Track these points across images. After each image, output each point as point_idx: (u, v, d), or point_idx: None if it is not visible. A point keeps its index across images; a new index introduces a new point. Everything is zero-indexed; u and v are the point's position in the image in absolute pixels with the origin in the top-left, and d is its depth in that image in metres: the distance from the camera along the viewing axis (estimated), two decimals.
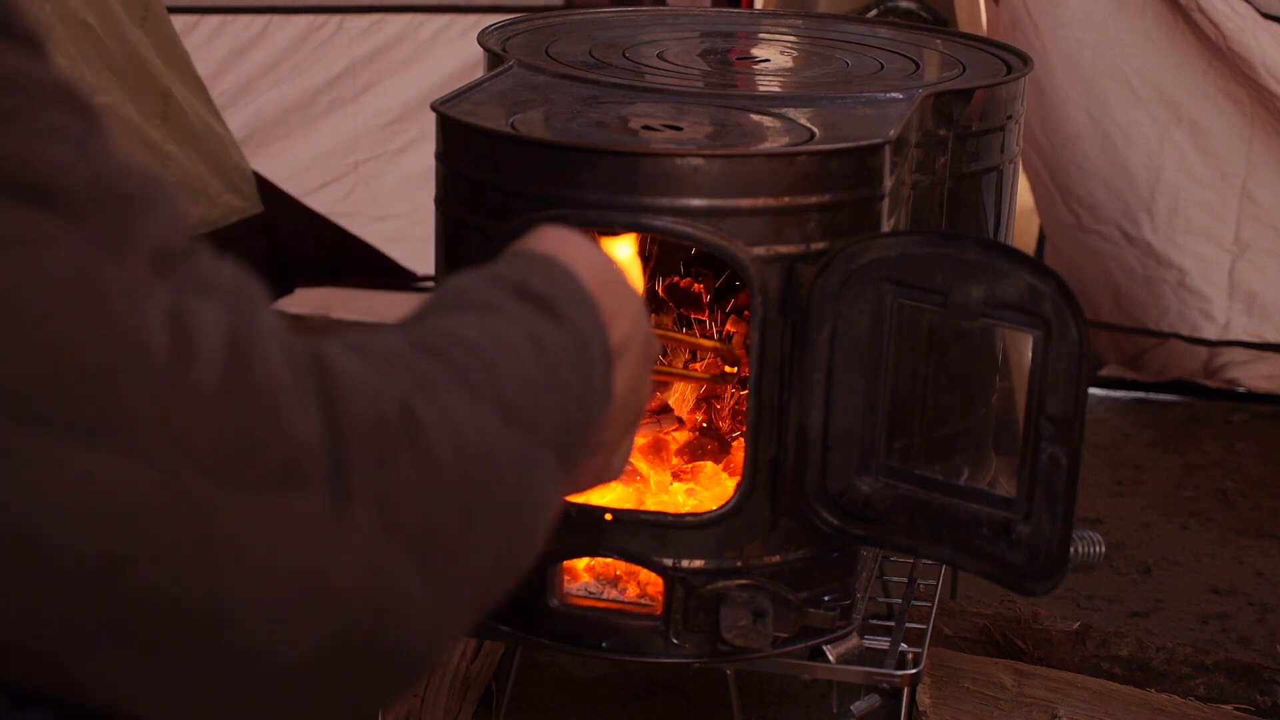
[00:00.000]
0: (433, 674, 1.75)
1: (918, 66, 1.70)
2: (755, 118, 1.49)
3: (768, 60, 1.77)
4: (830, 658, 1.48)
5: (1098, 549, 1.43)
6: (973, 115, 1.56)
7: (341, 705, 0.65)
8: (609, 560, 1.46)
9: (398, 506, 0.64)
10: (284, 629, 0.61)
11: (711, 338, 1.67)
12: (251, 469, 0.60)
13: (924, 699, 1.58)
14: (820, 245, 1.37)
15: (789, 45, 1.84)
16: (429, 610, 0.66)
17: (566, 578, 1.47)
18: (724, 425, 1.63)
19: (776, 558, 1.44)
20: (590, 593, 1.48)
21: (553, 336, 0.78)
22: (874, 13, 2.78)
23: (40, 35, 0.61)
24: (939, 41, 1.83)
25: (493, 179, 1.39)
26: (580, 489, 0.91)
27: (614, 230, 1.39)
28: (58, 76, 0.61)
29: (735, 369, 1.62)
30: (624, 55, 1.68)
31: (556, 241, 0.85)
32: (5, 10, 0.60)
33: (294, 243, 2.62)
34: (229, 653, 0.60)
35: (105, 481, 0.57)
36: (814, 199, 1.37)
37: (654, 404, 1.60)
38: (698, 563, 1.43)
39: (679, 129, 1.42)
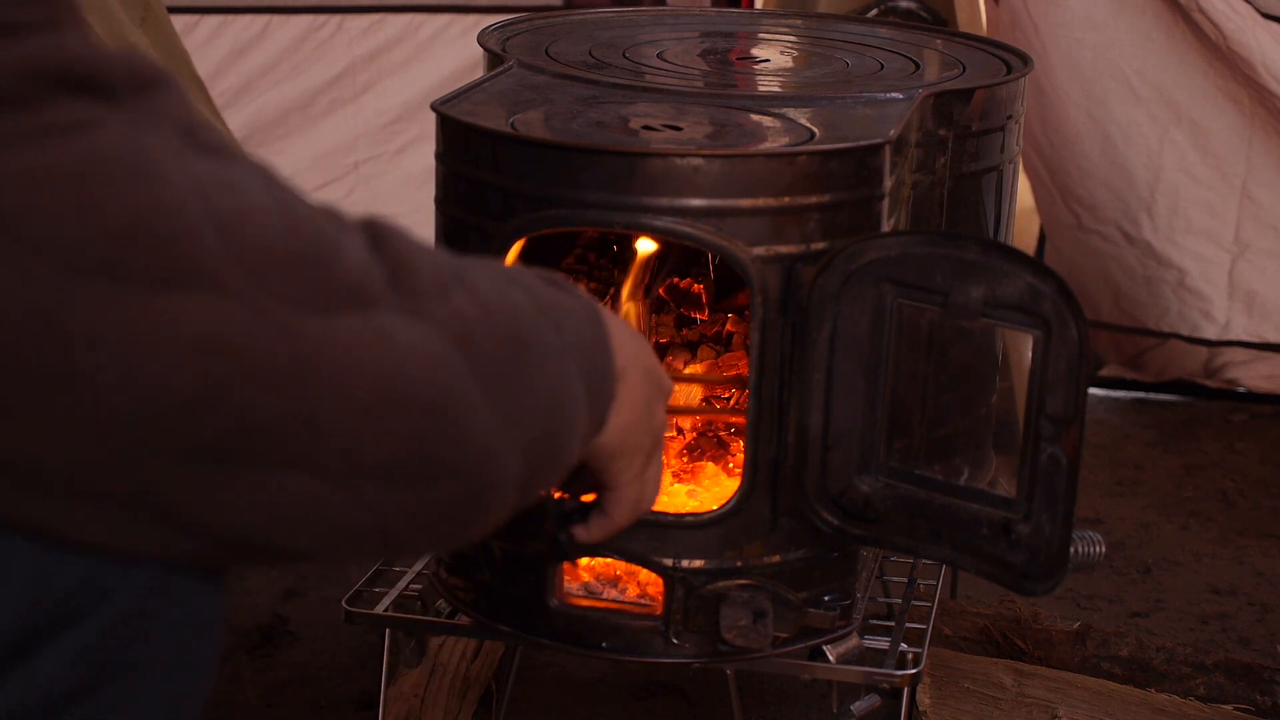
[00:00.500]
0: (433, 673, 1.75)
1: (918, 66, 1.70)
2: (755, 118, 1.49)
3: (768, 60, 1.77)
4: (830, 658, 1.48)
5: (1098, 549, 1.43)
6: (973, 115, 1.56)
7: (422, 516, 0.73)
8: (609, 560, 1.46)
9: (462, 328, 0.73)
10: (369, 427, 0.69)
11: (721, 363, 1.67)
12: (320, 294, 0.67)
13: (924, 699, 1.58)
14: (820, 245, 1.37)
15: (789, 45, 1.84)
16: (490, 429, 0.74)
17: (566, 578, 1.47)
18: (724, 426, 1.63)
19: (776, 558, 1.44)
20: (590, 593, 1.48)
21: (566, 304, 0.87)
22: (874, 13, 2.78)
23: None
24: (939, 41, 1.83)
25: (493, 179, 1.39)
26: (618, 522, 0.99)
27: (614, 230, 1.39)
28: None
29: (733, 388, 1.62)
30: (624, 55, 1.68)
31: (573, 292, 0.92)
32: None
33: None
34: (324, 451, 0.68)
35: (199, 319, 0.64)
36: (814, 199, 1.37)
37: None
38: (698, 563, 1.43)
39: (679, 129, 1.42)
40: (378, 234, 0.74)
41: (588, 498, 1.12)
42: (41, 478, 0.65)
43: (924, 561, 1.67)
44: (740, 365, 1.60)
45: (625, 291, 1.54)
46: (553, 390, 0.81)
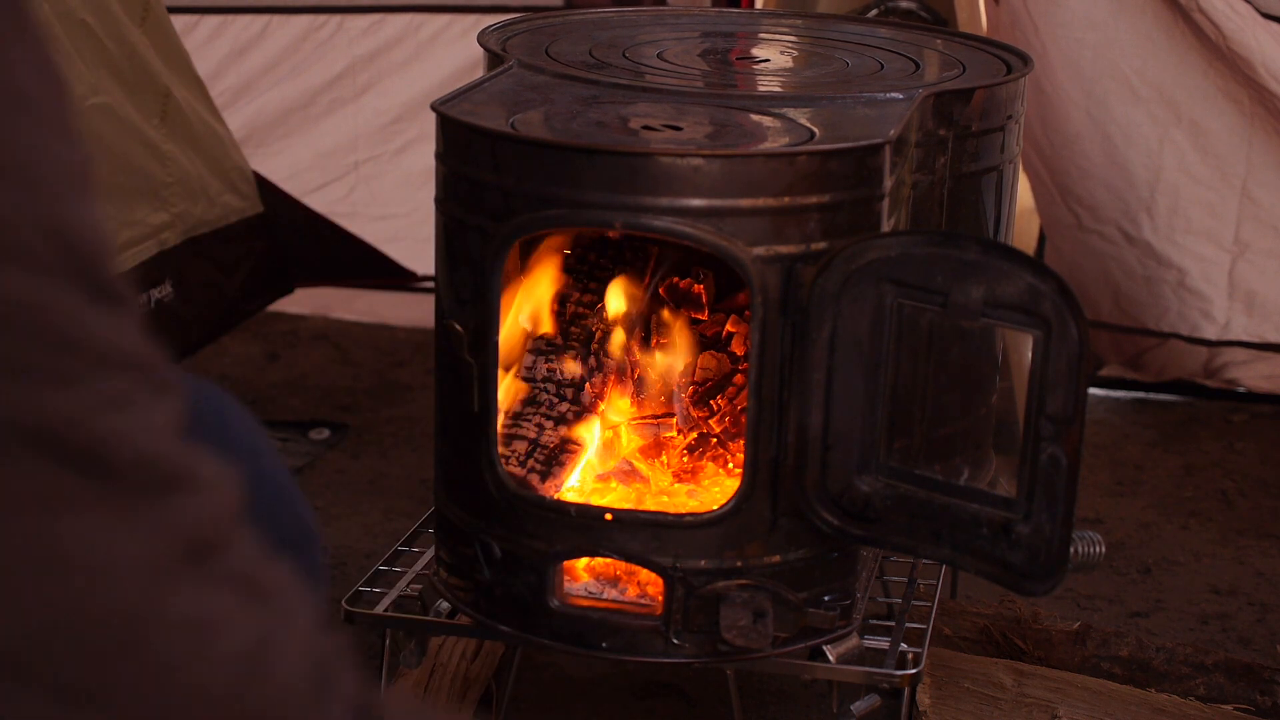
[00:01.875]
0: (433, 673, 1.75)
1: (918, 66, 1.70)
2: (755, 118, 1.49)
3: (768, 60, 1.77)
4: (830, 658, 1.48)
5: (1098, 549, 1.43)
6: (973, 115, 1.56)
7: None
8: (609, 560, 1.46)
9: None
10: None
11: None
12: None
13: (924, 699, 1.58)
14: (820, 245, 1.37)
15: (789, 45, 1.84)
16: None
17: (566, 578, 1.47)
18: (723, 425, 1.63)
19: (776, 558, 1.44)
20: (590, 593, 1.48)
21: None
22: (874, 13, 2.78)
23: (123, 291, 0.61)
24: (939, 41, 1.83)
25: (493, 179, 1.39)
26: None
27: (613, 230, 1.39)
28: (130, 340, 0.61)
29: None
30: (624, 55, 1.68)
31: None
32: (89, 260, 0.60)
33: (294, 243, 2.62)
34: None
35: None
36: (814, 199, 1.37)
37: (656, 409, 1.60)
38: (698, 563, 1.43)
39: (679, 129, 1.42)
40: (350, 710, 0.64)
41: None
42: None
43: (924, 561, 1.67)
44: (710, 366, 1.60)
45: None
46: None
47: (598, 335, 1.58)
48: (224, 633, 0.60)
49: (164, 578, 0.59)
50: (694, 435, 1.59)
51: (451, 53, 2.90)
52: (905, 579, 1.69)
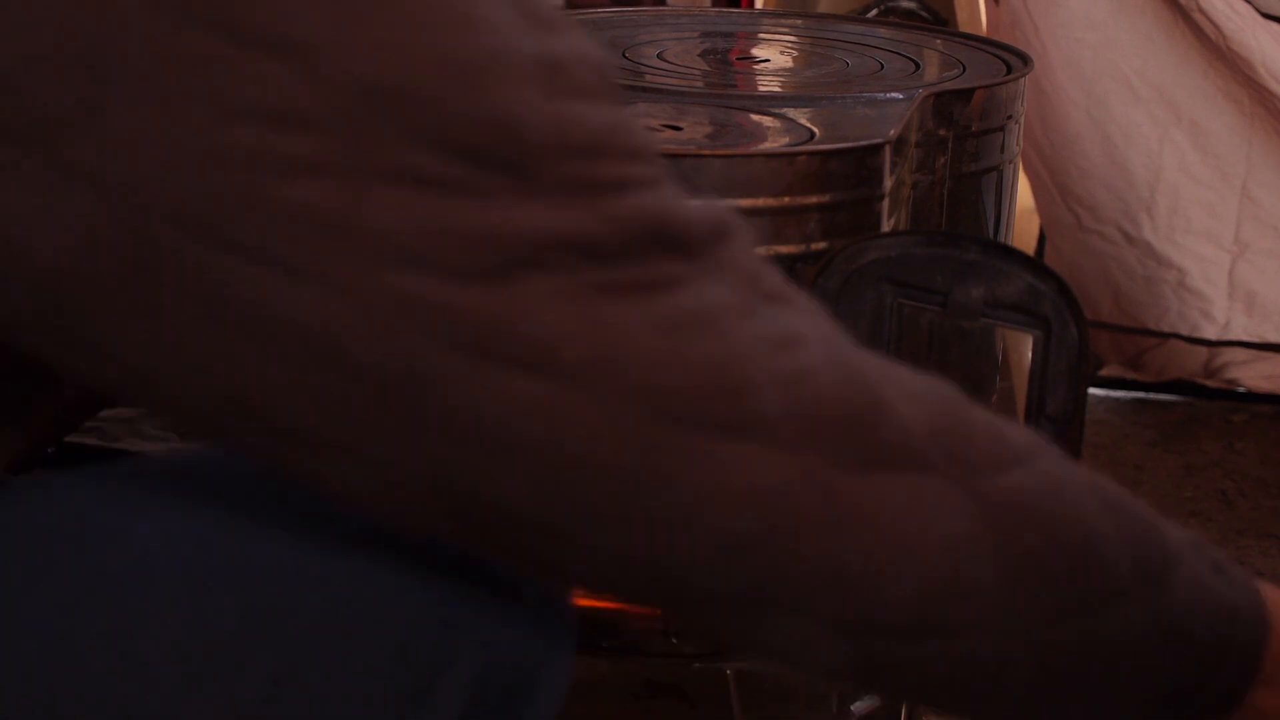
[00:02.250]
0: None
1: (918, 66, 1.70)
2: (755, 118, 1.49)
3: (768, 60, 1.77)
4: None
5: None
6: (973, 115, 1.56)
7: (906, 672, 0.72)
8: None
9: (999, 511, 0.70)
10: (880, 587, 0.68)
11: None
12: (862, 453, 0.67)
13: None
14: (820, 245, 1.37)
15: (789, 45, 1.84)
16: (989, 627, 0.71)
17: None
18: None
19: None
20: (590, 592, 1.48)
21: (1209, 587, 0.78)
22: (874, 13, 2.78)
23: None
24: (939, 41, 1.83)
25: None
26: None
27: None
28: (640, 135, 0.68)
29: None
30: (624, 55, 1.68)
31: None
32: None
33: None
34: (836, 605, 0.69)
35: (753, 470, 0.65)
36: (814, 199, 1.37)
37: None
38: None
39: (679, 129, 1.42)
40: (931, 396, 0.71)
41: None
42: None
43: None
44: None
45: None
46: (1132, 646, 0.75)
47: None
48: (801, 345, 0.68)
49: (751, 310, 0.67)
50: None
51: None
52: None
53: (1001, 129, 1.61)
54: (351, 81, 0.58)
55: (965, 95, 1.55)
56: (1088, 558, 0.72)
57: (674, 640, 1.45)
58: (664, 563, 0.66)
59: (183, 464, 0.81)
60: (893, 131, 1.40)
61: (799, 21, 1.97)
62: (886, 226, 1.42)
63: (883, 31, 1.87)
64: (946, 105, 1.53)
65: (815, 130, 1.43)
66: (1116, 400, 2.89)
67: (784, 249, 1.36)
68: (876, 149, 1.39)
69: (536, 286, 0.61)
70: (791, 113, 1.49)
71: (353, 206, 0.58)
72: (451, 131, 0.59)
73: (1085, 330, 1.27)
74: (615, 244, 0.63)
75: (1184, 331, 2.72)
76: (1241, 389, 2.83)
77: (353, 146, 0.58)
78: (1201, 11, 2.46)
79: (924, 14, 2.88)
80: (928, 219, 1.55)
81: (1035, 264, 1.31)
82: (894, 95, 1.51)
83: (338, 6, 0.57)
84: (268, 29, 0.57)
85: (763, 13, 2.47)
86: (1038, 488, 0.72)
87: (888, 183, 1.41)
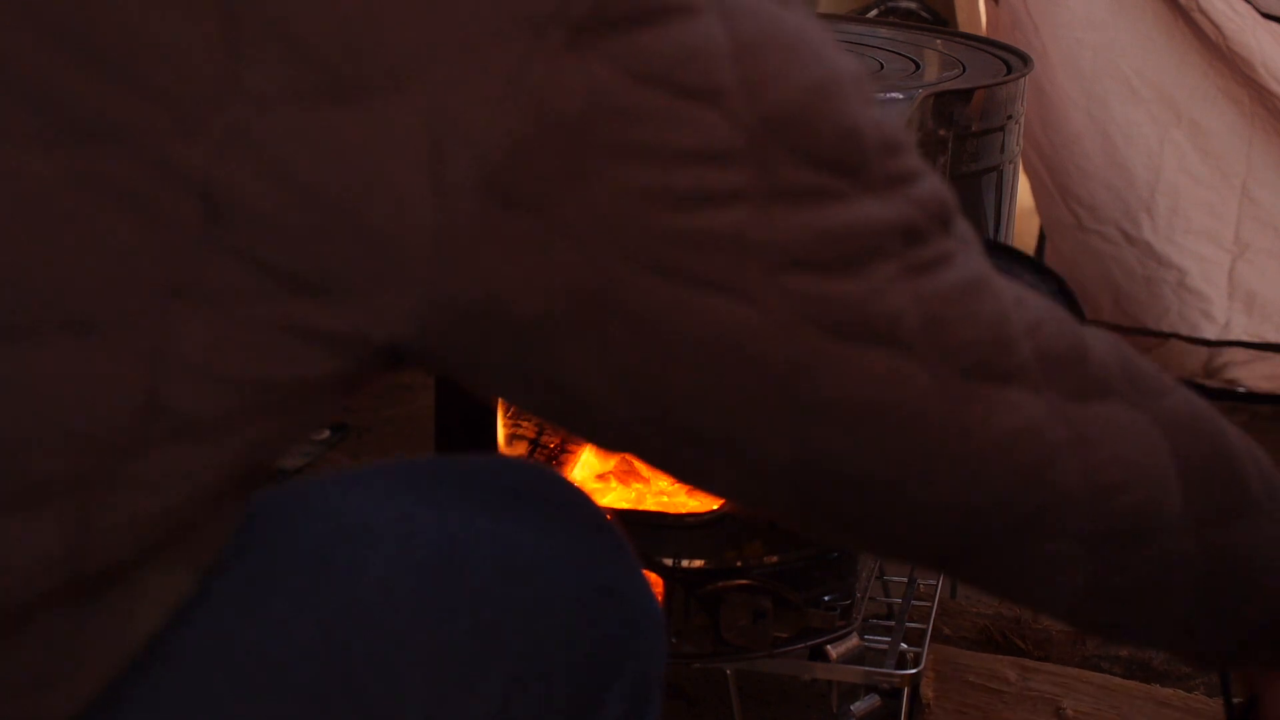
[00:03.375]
0: None
1: (918, 66, 1.70)
2: None
3: None
4: (830, 658, 1.48)
5: None
6: (973, 115, 1.56)
7: (1121, 581, 0.83)
8: None
9: (1174, 424, 0.81)
10: (1108, 502, 0.79)
11: None
12: (1082, 385, 0.78)
13: (927, 692, 1.58)
14: None
15: None
16: (1179, 529, 0.81)
17: None
18: None
19: (776, 558, 1.44)
20: None
21: None
22: (874, 13, 2.78)
23: None
24: (939, 41, 1.83)
25: None
26: None
27: None
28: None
29: None
30: None
31: None
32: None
33: None
34: (1082, 522, 0.78)
35: (1020, 412, 0.75)
36: None
37: None
38: (698, 563, 1.43)
39: None
40: (1105, 337, 0.82)
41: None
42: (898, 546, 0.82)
43: None
44: None
45: None
46: (1261, 552, 0.86)
47: None
48: (1030, 299, 0.79)
49: (997, 274, 0.78)
50: None
51: None
52: (905, 579, 1.69)
53: (1001, 129, 1.61)
54: (757, 117, 0.68)
55: (965, 95, 1.55)
56: (1235, 469, 0.84)
57: (674, 640, 1.45)
58: (966, 507, 0.76)
59: (380, 486, 0.89)
60: None
61: None
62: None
63: (883, 31, 1.87)
64: (946, 105, 1.53)
65: None
66: None
67: None
68: None
69: (882, 270, 0.71)
70: None
71: (762, 225, 0.69)
72: (820, 146, 0.70)
73: None
74: (924, 227, 0.73)
75: (1184, 331, 2.72)
76: (1241, 389, 2.83)
77: (759, 173, 0.68)
78: (1201, 11, 2.46)
79: (924, 14, 2.88)
80: None
81: (1035, 264, 1.32)
82: (894, 95, 1.51)
83: (740, 59, 0.68)
84: (700, 81, 0.67)
85: None
86: (1191, 410, 0.83)
87: None
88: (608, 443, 0.78)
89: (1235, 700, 1.08)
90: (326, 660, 0.78)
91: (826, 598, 1.47)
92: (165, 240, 0.64)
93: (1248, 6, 2.44)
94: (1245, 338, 2.71)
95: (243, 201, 0.64)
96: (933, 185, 0.76)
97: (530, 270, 0.67)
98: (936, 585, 1.69)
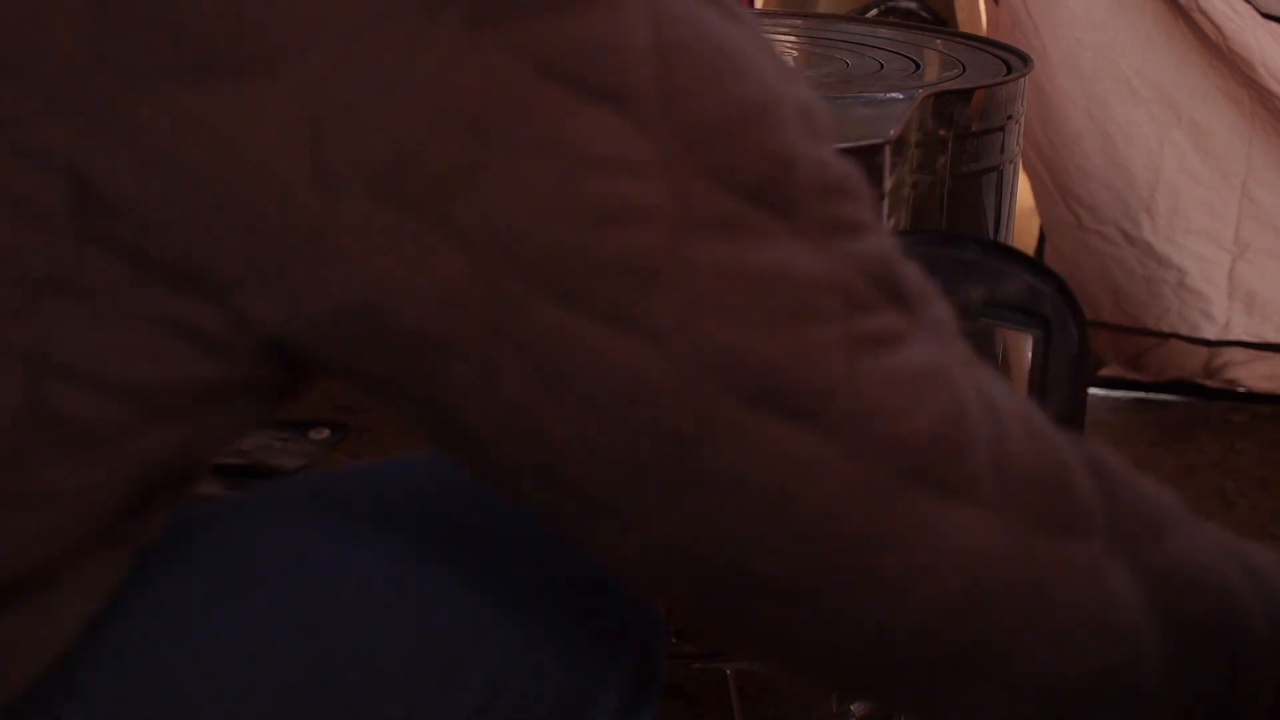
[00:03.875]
0: None
1: (918, 66, 1.70)
2: None
3: None
4: None
5: None
6: (973, 115, 1.56)
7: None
8: None
9: (1164, 583, 0.69)
10: (1059, 658, 0.68)
11: None
12: (1056, 518, 0.67)
13: None
14: None
15: (789, 45, 1.85)
16: (1156, 700, 0.70)
17: None
18: None
19: None
20: None
21: None
22: (874, 13, 2.78)
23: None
24: (939, 41, 1.83)
25: None
26: None
27: None
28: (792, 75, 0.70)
29: None
30: None
31: None
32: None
33: None
34: (1021, 672, 0.68)
35: (967, 531, 0.64)
36: None
37: None
38: None
39: None
40: (1098, 463, 0.70)
41: None
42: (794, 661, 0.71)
43: None
44: None
45: None
46: (1258, 711, 0.75)
47: None
48: (1003, 405, 0.67)
49: (965, 369, 0.66)
50: None
51: None
52: None
53: (1001, 129, 1.61)
54: (672, 128, 0.60)
55: (965, 95, 1.55)
56: (1234, 625, 0.72)
57: (674, 640, 1.45)
58: (887, 625, 0.65)
59: (365, 484, 0.89)
60: (893, 131, 1.40)
61: (799, 21, 1.96)
62: (886, 226, 1.42)
63: (883, 31, 1.87)
64: (946, 105, 1.53)
65: None
66: (1116, 400, 2.89)
67: None
68: (876, 149, 1.38)
69: (814, 335, 0.62)
70: None
71: (674, 254, 0.60)
72: (743, 172, 0.61)
73: (1085, 330, 1.27)
74: (863, 292, 0.63)
75: (1184, 331, 2.72)
76: (1241, 389, 2.83)
77: (672, 193, 0.60)
78: (1201, 11, 2.46)
79: (924, 14, 2.88)
80: (928, 219, 1.55)
81: (1035, 264, 1.31)
82: (894, 95, 1.51)
83: (662, 62, 0.60)
84: (611, 80, 0.59)
85: (763, 13, 2.47)
86: (1192, 558, 0.72)
87: (888, 183, 1.41)
88: (496, 488, 0.68)
89: None
90: (305, 658, 0.77)
91: None
92: (36, 231, 0.59)
93: (1248, 6, 2.44)
94: (1245, 338, 2.71)
95: (111, 187, 0.59)
96: (879, 246, 0.66)
97: (414, 277, 0.60)
98: None
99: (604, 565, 0.68)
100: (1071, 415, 1.29)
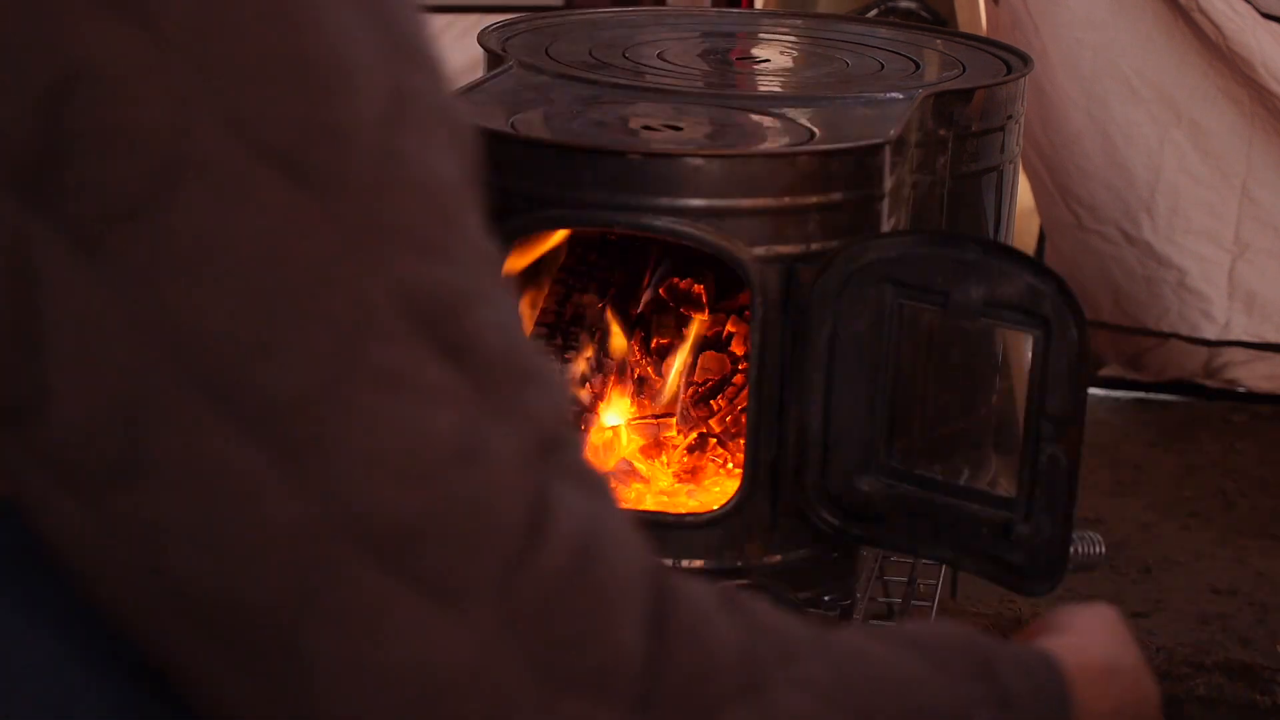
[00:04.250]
0: None
1: (918, 66, 1.70)
2: (755, 118, 1.49)
3: (768, 60, 1.77)
4: None
5: (1098, 549, 1.43)
6: (973, 115, 1.56)
7: None
8: None
9: None
10: None
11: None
12: (566, 666, 0.59)
13: None
14: (820, 245, 1.37)
15: (789, 45, 1.85)
16: None
17: None
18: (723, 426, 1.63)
19: (777, 558, 1.44)
20: None
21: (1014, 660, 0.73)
22: (874, 13, 2.78)
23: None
24: (939, 41, 1.83)
25: (492, 179, 1.38)
26: None
27: (615, 230, 1.39)
28: (492, 244, 0.65)
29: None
30: (624, 55, 1.68)
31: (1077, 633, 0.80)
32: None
33: None
34: None
35: (429, 637, 0.58)
36: (814, 199, 1.37)
37: (656, 409, 1.60)
38: (698, 563, 1.43)
39: (679, 129, 1.42)
40: (669, 608, 0.63)
41: None
42: None
43: (924, 561, 1.67)
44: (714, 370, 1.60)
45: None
46: None
47: (597, 335, 1.58)
48: (562, 519, 0.61)
49: (524, 465, 0.60)
50: (694, 435, 1.59)
51: (451, 53, 2.90)
52: (905, 579, 1.69)
53: (1001, 129, 1.61)
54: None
55: (965, 95, 1.55)
56: None
57: None
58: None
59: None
60: (893, 131, 1.40)
61: (799, 21, 1.97)
62: (887, 227, 1.42)
63: (883, 31, 1.87)
64: (946, 105, 1.53)
65: (815, 130, 1.43)
66: (1116, 400, 2.89)
67: (784, 249, 1.36)
68: (876, 149, 1.39)
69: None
70: (791, 113, 1.49)
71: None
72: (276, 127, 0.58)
73: (1085, 330, 1.27)
74: (390, 324, 0.59)
75: (1184, 331, 2.72)
76: (1241, 389, 2.83)
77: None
78: (1201, 11, 2.46)
79: (924, 14, 2.88)
80: (928, 219, 1.55)
81: (1035, 264, 1.31)
82: (894, 95, 1.52)
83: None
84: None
85: (763, 13, 2.47)
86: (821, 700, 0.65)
87: (888, 183, 1.41)
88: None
89: None
90: None
91: (826, 598, 1.47)
92: None
93: (1248, 6, 2.44)
94: (1245, 338, 2.71)
95: None
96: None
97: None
98: (936, 585, 1.69)
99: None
100: (1071, 415, 1.30)
